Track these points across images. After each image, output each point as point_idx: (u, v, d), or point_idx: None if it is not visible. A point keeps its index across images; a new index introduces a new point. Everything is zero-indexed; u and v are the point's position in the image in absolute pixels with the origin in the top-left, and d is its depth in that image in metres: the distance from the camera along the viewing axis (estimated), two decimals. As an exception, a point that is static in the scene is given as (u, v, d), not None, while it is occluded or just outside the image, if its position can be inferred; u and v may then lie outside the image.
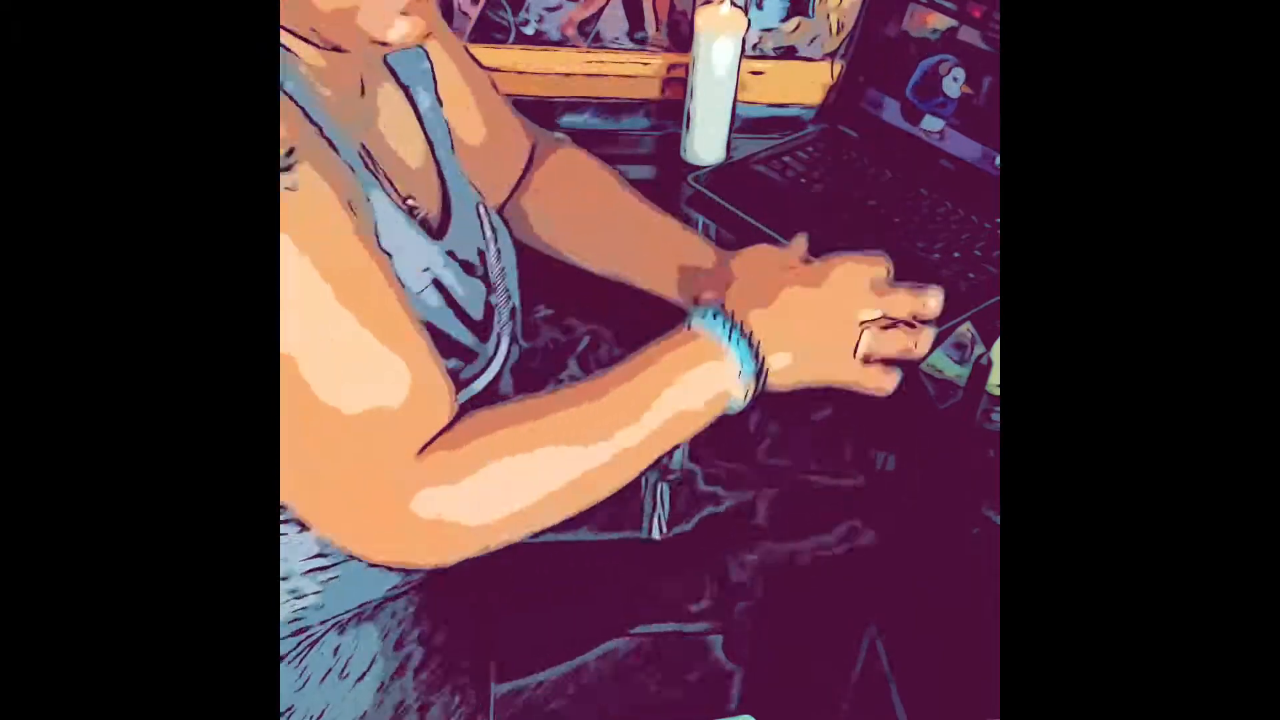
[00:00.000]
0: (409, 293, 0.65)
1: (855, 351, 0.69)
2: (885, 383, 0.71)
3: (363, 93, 0.73)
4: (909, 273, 1.03)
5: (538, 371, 0.93)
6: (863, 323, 0.69)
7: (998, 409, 0.87)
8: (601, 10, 1.23)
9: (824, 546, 0.80)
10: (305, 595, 0.74)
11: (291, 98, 0.61)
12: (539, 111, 1.26)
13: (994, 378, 0.88)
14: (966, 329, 0.96)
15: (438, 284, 0.69)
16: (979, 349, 0.93)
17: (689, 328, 0.67)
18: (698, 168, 1.19)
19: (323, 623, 0.77)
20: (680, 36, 1.25)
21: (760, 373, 0.66)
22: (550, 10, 1.22)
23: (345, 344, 0.57)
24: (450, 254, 0.72)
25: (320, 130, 0.63)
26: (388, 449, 0.59)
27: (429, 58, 0.81)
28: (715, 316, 0.66)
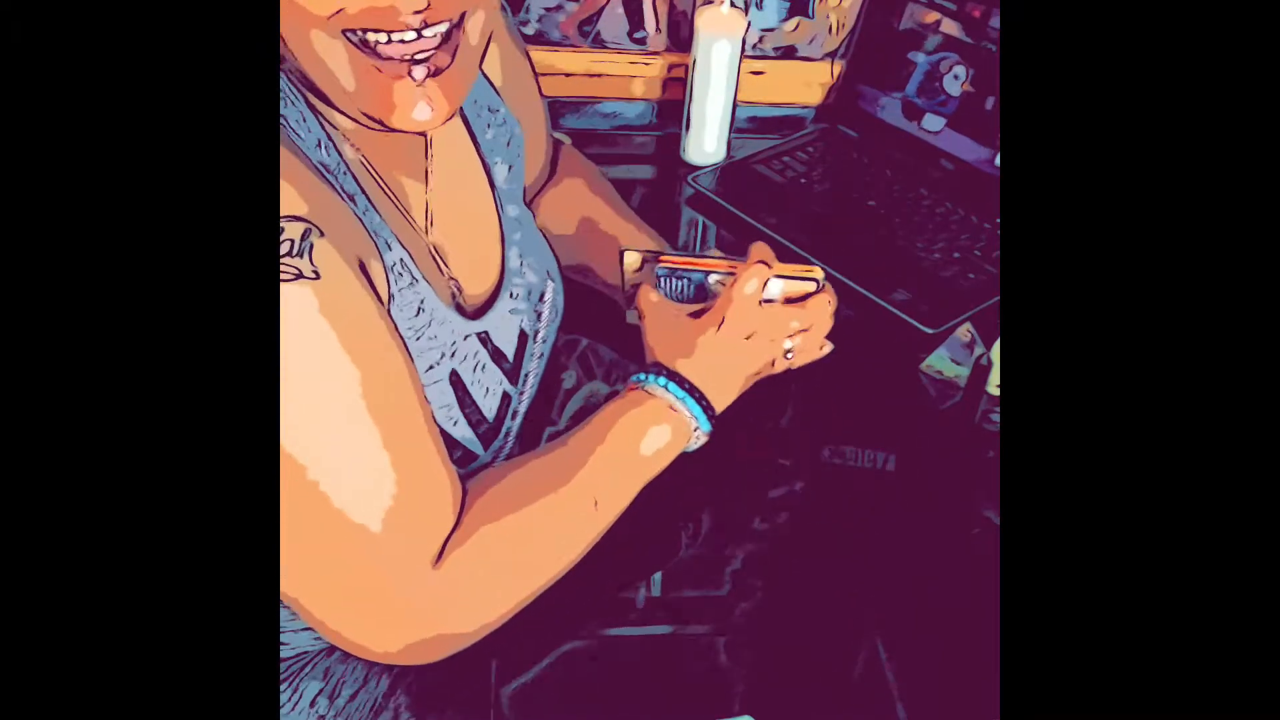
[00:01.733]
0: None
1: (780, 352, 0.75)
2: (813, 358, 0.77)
3: (426, 156, 0.69)
4: (909, 273, 1.03)
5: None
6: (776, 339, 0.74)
7: (998, 409, 0.87)
8: (601, 10, 1.23)
9: (824, 546, 0.80)
10: (295, 647, 0.75)
11: (326, 171, 0.58)
12: (539, 111, 1.26)
13: (994, 378, 0.88)
14: (966, 329, 0.96)
15: (453, 377, 0.67)
16: (979, 349, 0.94)
17: (643, 389, 0.69)
18: (698, 168, 1.19)
19: (308, 650, 0.77)
20: (680, 36, 1.25)
21: (711, 419, 0.70)
22: (550, 10, 1.22)
23: (359, 452, 0.55)
24: (483, 337, 0.70)
25: (351, 202, 0.59)
26: (405, 565, 0.57)
27: (517, 120, 0.79)
28: (661, 380, 0.69)
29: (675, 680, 0.70)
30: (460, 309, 0.71)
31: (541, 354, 0.77)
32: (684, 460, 0.70)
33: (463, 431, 0.68)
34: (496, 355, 0.71)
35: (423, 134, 0.68)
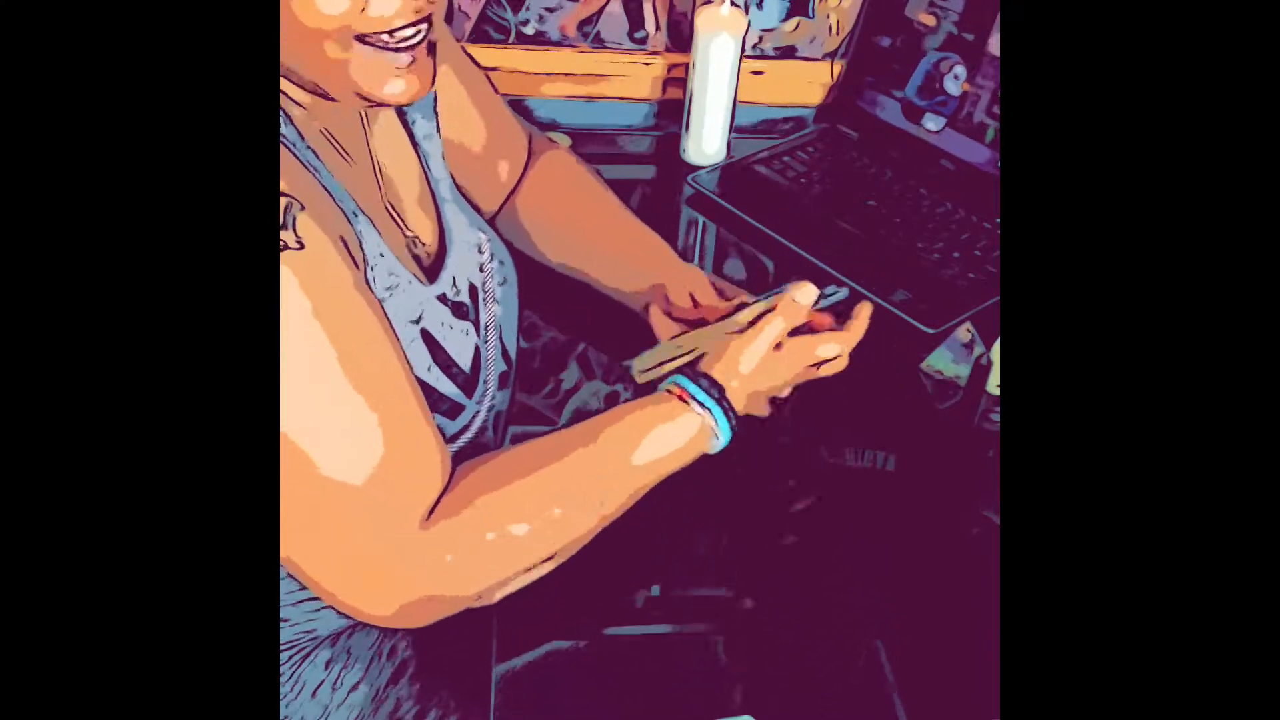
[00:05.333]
0: None
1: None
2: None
3: (364, 121, 0.72)
4: (909, 273, 1.03)
5: (538, 371, 0.93)
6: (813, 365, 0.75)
7: (998, 409, 0.87)
8: (601, 10, 1.23)
9: (824, 546, 0.80)
10: (296, 624, 0.75)
11: (286, 144, 0.60)
12: (539, 111, 1.26)
13: (994, 378, 0.88)
14: (966, 329, 0.96)
15: (425, 335, 0.69)
16: (979, 349, 0.94)
17: (668, 388, 0.70)
18: (698, 168, 1.19)
19: (314, 634, 0.77)
20: (680, 36, 1.25)
21: (732, 430, 0.70)
22: (550, 10, 1.22)
23: (346, 415, 0.57)
24: (442, 298, 0.72)
25: (315, 174, 0.62)
26: (393, 523, 0.59)
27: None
28: (699, 384, 0.69)
29: (675, 680, 0.70)
30: (420, 265, 0.73)
31: (498, 302, 0.79)
32: (679, 479, 0.70)
33: (446, 386, 0.70)
34: (457, 309, 0.73)
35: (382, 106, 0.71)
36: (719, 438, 0.69)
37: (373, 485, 0.58)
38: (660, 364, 0.76)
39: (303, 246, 0.55)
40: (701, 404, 0.68)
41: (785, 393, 0.76)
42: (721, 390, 0.69)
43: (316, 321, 0.55)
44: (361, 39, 0.59)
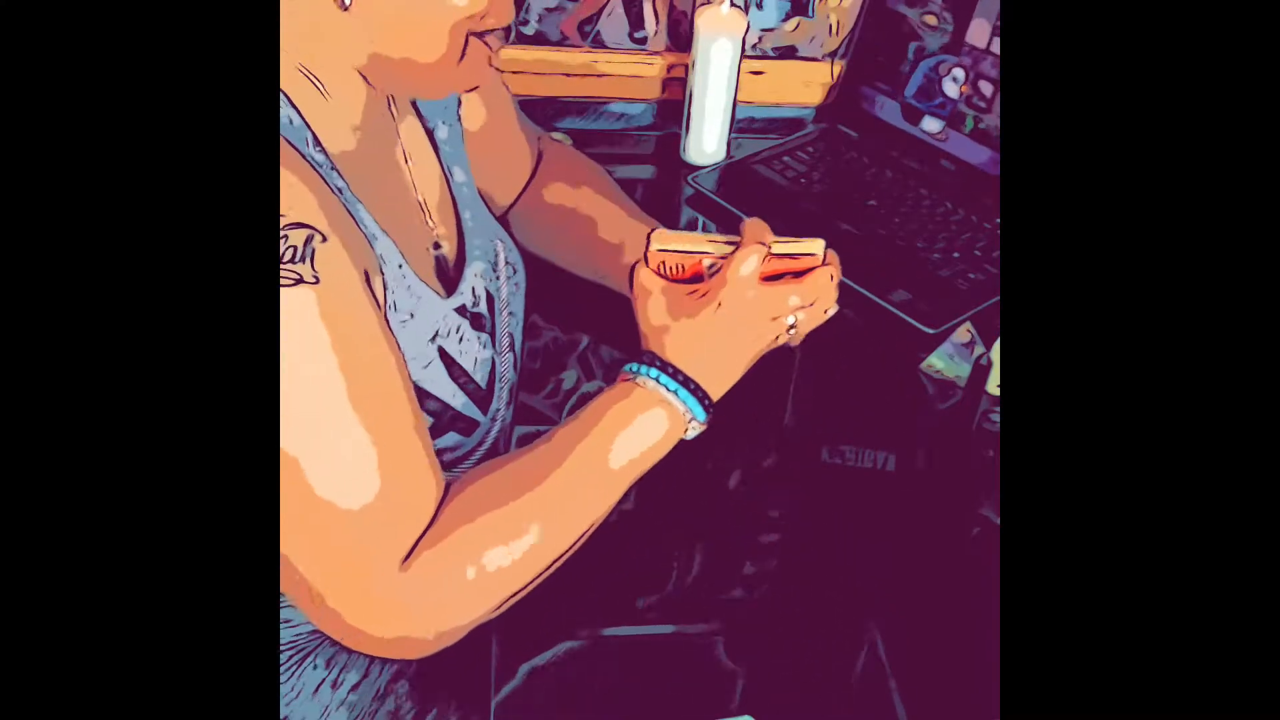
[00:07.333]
0: (414, 367, 0.65)
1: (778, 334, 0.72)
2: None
3: (394, 119, 0.72)
4: (909, 273, 1.03)
5: (539, 371, 0.93)
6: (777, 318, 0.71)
7: (998, 409, 0.87)
8: (601, 10, 1.23)
9: (825, 545, 0.80)
10: (296, 624, 0.75)
11: (315, 166, 0.60)
12: (539, 111, 1.26)
13: (994, 378, 0.88)
14: (966, 329, 0.96)
15: (443, 354, 0.68)
16: (979, 349, 0.94)
17: (633, 380, 0.67)
18: (698, 168, 1.19)
19: (315, 634, 0.77)
20: (680, 36, 1.25)
21: (707, 410, 0.68)
22: (550, 10, 1.22)
23: (345, 450, 0.57)
24: (461, 309, 0.72)
25: (339, 195, 0.61)
26: (375, 559, 0.58)
27: None
28: (656, 372, 0.67)
29: (675, 680, 0.70)
30: (442, 270, 0.73)
31: (511, 313, 0.79)
32: (679, 479, 0.69)
33: (461, 401, 0.70)
34: (475, 321, 0.73)
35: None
36: (694, 422, 0.67)
37: (361, 526, 0.57)
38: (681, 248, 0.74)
39: (318, 281, 0.55)
40: (674, 395, 0.66)
41: (769, 348, 0.72)
42: (686, 376, 0.67)
43: (330, 354, 0.55)
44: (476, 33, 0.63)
